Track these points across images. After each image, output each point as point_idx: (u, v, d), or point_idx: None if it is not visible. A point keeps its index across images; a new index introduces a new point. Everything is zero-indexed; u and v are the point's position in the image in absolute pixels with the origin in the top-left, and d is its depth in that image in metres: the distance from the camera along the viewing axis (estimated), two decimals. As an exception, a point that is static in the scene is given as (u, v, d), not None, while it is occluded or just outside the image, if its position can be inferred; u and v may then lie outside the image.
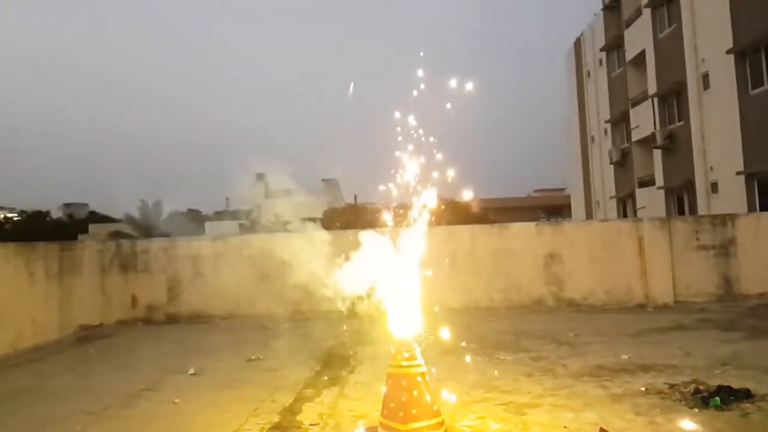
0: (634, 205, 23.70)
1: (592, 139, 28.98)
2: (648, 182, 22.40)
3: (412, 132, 4.46)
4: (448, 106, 4.41)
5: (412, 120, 4.46)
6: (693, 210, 18.59)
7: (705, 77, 17.99)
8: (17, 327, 8.32)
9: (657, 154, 21.32)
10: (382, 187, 4.58)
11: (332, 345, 7.86)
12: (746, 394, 4.68)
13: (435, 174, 4.41)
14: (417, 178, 4.45)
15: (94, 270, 10.66)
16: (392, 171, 4.48)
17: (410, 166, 4.46)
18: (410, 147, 4.49)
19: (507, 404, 4.81)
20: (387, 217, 4.64)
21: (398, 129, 4.49)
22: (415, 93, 4.40)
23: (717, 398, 4.58)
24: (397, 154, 4.48)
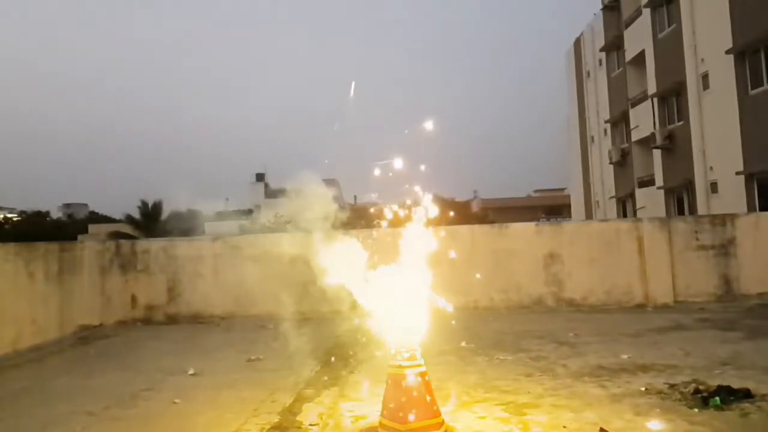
0: (634, 205, 23.70)
1: (592, 139, 28.98)
2: (648, 182, 22.40)
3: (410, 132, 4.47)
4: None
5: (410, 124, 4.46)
6: (693, 210, 18.59)
7: (705, 77, 17.99)
8: (17, 327, 8.31)
9: (657, 154, 21.32)
10: (381, 188, 4.58)
11: (332, 345, 7.86)
12: (746, 394, 4.68)
13: (434, 174, 4.42)
14: (417, 179, 4.45)
15: (93, 270, 10.65)
16: (392, 171, 4.48)
17: (410, 166, 4.46)
18: (410, 147, 4.49)
19: (507, 404, 4.81)
20: (388, 217, 4.64)
21: (397, 129, 4.49)
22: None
23: (717, 398, 4.58)
24: (397, 155, 4.48)
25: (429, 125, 4.43)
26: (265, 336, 8.76)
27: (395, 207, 4.62)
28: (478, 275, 10.39)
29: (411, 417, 3.89)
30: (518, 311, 10.26)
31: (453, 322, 4.50)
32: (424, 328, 4.30)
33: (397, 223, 4.62)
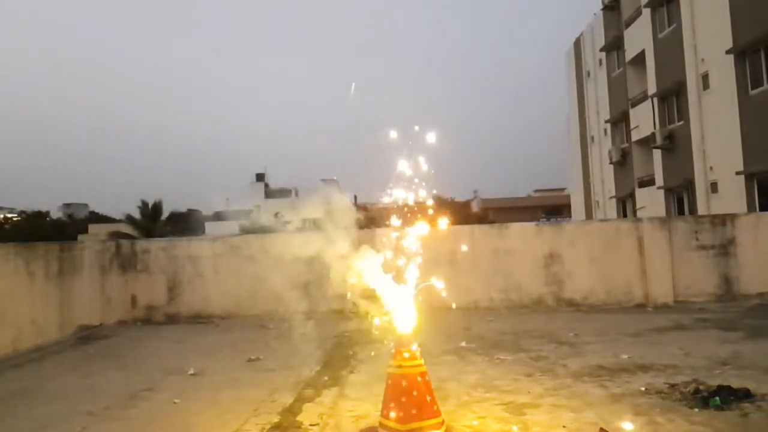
0: (634, 205, 23.69)
1: (592, 139, 28.97)
2: (648, 182, 22.40)
3: (411, 132, 4.46)
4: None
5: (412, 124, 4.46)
6: (693, 210, 18.58)
7: (705, 77, 17.98)
8: (17, 327, 8.31)
9: (657, 154, 21.32)
10: (382, 188, 4.58)
11: (332, 345, 7.86)
12: (746, 394, 4.68)
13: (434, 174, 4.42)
14: (417, 179, 4.45)
15: (93, 270, 10.65)
16: (393, 171, 4.48)
17: (411, 167, 4.46)
18: (411, 148, 4.49)
19: (507, 404, 4.81)
20: (388, 217, 4.64)
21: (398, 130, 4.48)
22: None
23: (717, 398, 4.58)
24: (397, 155, 4.47)
25: (429, 125, 4.42)
26: (265, 336, 8.77)
27: (396, 207, 4.62)
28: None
29: (411, 417, 3.88)
30: (518, 311, 10.26)
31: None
32: (424, 328, 4.29)
33: (397, 223, 4.62)
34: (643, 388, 5.09)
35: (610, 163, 25.85)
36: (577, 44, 30.62)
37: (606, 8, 26.22)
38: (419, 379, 4.02)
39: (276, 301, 10.57)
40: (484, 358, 6.61)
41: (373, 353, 6.82)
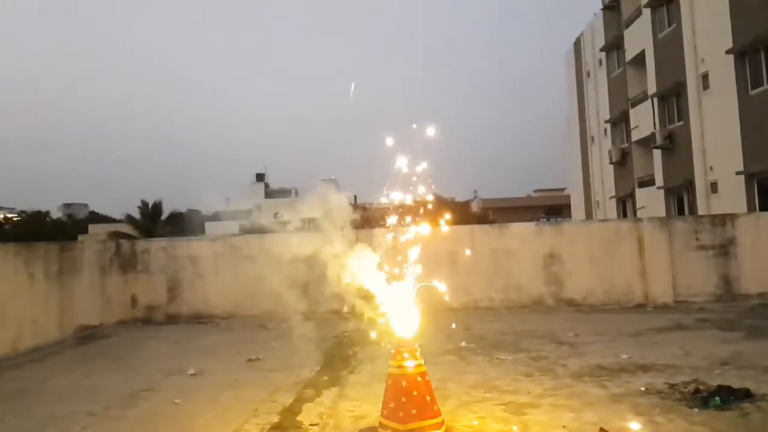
0: (634, 205, 23.69)
1: (592, 139, 28.97)
2: (648, 182, 22.40)
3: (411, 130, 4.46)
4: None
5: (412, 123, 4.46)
6: (693, 210, 18.58)
7: (705, 77, 17.98)
8: (17, 327, 8.32)
9: (657, 154, 21.32)
10: (381, 188, 4.58)
11: (332, 345, 7.86)
12: (746, 394, 4.69)
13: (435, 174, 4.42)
14: (417, 179, 4.45)
15: (93, 270, 10.65)
16: (393, 171, 4.48)
17: (411, 167, 4.46)
18: (410, 148, 4.49)
19: (507, 404, 4.81)
20: (389, 217, 4.64)
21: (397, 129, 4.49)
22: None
23: (717, 398, 4.58)
24: (397, 154, 4.47)
25: (429, 125, 4.43)
26: (265, 336, 8.77)
27: (396, 207, 4.62)
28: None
29: (411, 417, 3.89)
30: (518, 311, 10.27)
31: (453, 325, 4.50)
32: (424, 328, 4.30)
33: (397, 223, 4.62)
34: (643, 388, 5.09)
35: (610, 163, 25.84)
36: (577, 44, 30.62)
37: (606, 8, 26.22)
38: (419, 379, 4.03)
39: (276, 301, 10.57)
40: (484, 358, 6.61)
41: (372, 353, 6.82)
